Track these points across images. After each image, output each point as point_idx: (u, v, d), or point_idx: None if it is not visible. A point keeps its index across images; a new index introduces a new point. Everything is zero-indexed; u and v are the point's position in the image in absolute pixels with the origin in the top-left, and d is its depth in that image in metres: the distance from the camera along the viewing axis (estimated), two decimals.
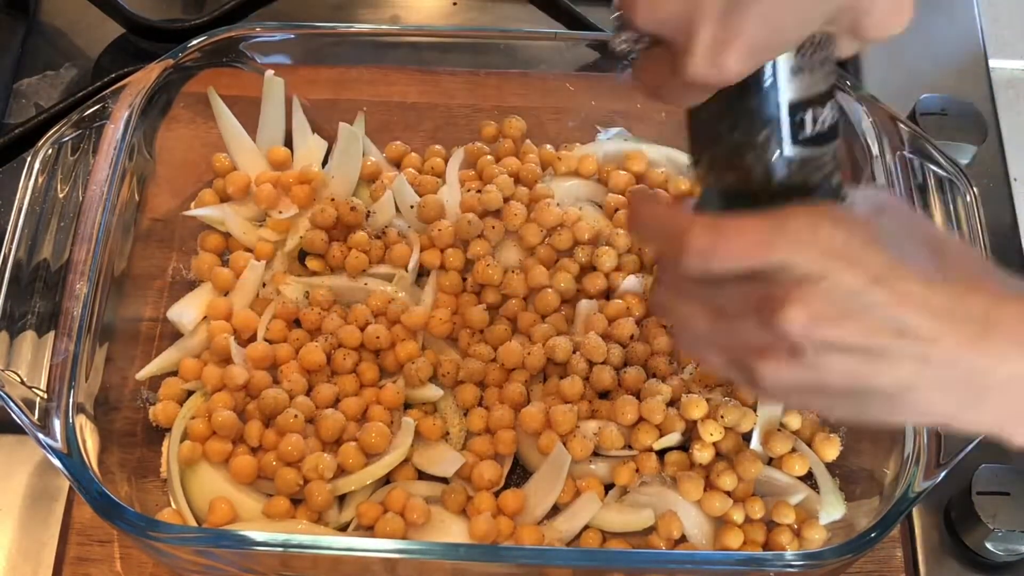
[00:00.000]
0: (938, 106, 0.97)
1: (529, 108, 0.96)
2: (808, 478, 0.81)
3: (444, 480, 0.81)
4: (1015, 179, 1.00)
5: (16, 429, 0.71)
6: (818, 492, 0.80)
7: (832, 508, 0.79)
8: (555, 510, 0.80)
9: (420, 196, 0.91)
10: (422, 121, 0.96)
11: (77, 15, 1.07)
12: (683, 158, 0.94)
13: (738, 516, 0.79)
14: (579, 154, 0.94)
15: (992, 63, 1.05)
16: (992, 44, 1.07)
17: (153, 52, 1.03)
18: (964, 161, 0.96)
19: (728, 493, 0.79)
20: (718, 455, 0.81)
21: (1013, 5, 1.14)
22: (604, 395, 0.84)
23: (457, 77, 0.97)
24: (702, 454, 0.80)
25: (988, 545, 0.79)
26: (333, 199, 0.89)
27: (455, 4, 1.11)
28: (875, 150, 0.83)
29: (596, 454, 0.81)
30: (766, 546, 0.79)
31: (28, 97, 1.03)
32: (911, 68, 1.04)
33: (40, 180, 0.79)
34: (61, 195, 0.79)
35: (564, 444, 0.79)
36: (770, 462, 0.82)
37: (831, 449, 0.81)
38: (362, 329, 0.84)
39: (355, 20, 1.09)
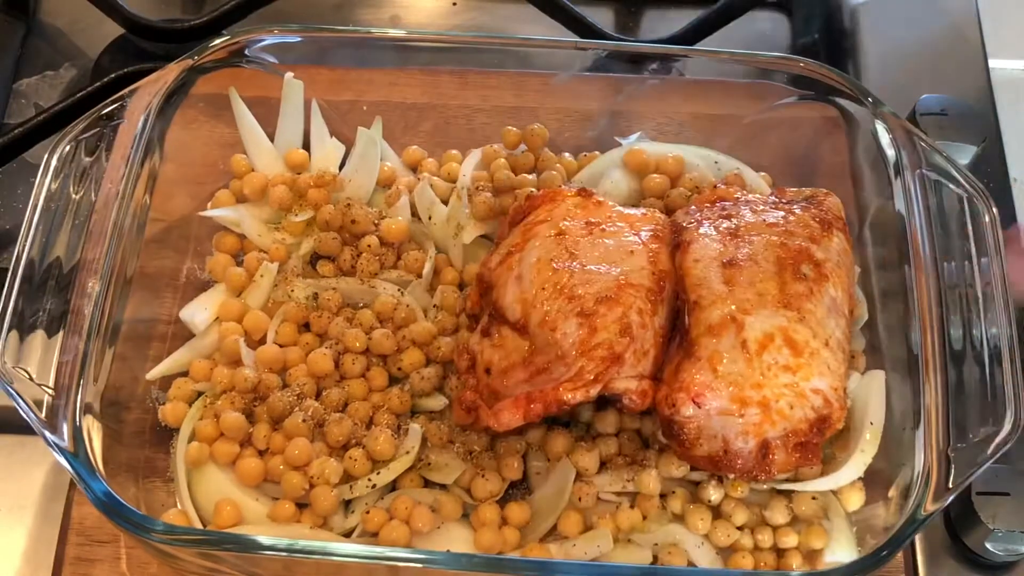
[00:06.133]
0: (938, 106, 0.97)
1: (550, 111, 0.95)
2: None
3: (446, 487, 0.80)
4: (1015, 179, 1.00)
5: (17, 430, 0.71)
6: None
7: (841, 551, 0.77)
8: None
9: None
10: (424, 121, 0.96)
11: (77, 15, 1.07)
12: (682, 154, 0.93)
13: (747, 542, 0.77)
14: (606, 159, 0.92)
15: (992, 63, 1.05)
16: (992, 44, 1.07)
17: (153, 52, 1.03)
18: (964, 161, 0.96)
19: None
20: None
21: (1013, 5, 1.14)
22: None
23: (457, 77, 0.96)
24: (715, 493, 0.78)
25: (988, 545, 0.80)
26: (349, 203, 0.88)
27: (455, 4, 1.10)
28: (894, 171, 0.82)
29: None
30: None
31: (28, 97, 1.03)
32: (911, 68, 1.05)
33: (54, 180, 0.78)
34: (75, 195, 0.78)
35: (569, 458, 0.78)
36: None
37: (856, 497, 0.78)
38: (368, 334, 0.84)
39: (355, 20, 1.09)
